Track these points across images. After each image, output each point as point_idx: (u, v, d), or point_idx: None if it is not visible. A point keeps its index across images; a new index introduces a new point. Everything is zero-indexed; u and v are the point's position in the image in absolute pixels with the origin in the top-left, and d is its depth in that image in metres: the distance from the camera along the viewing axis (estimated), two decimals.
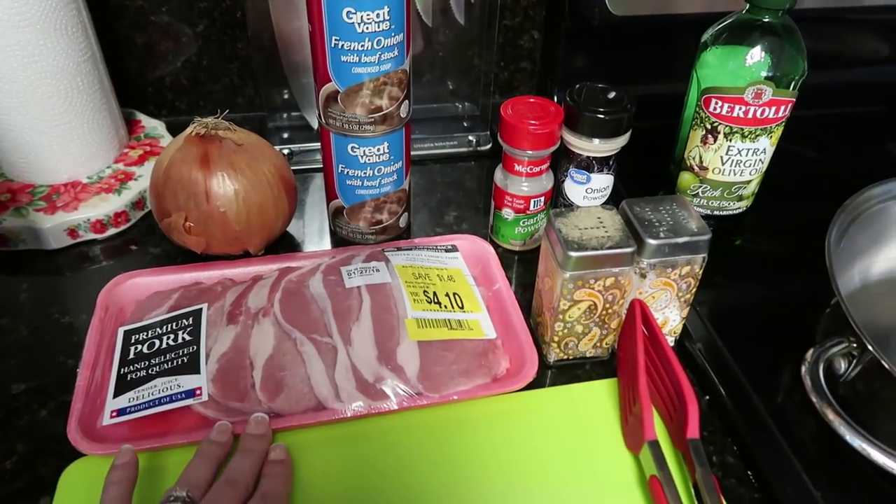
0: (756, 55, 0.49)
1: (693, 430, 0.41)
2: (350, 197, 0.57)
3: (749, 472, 0.44)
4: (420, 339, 0.47)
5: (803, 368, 0.38)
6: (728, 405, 0.47)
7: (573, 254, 0.44)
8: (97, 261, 0.58)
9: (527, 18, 0.75)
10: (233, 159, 0.53)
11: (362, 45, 0.48)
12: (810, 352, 0.39)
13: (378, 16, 0.47)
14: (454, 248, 0.56)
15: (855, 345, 0.40)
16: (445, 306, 0.50)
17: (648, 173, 0.64)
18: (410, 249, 0.55)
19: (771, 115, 0.50)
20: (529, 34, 0.76)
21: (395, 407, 0.44)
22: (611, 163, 0.55)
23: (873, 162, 0.72)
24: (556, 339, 0.48)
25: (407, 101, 0.53)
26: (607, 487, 0.42)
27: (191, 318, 0.48)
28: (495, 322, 0.51)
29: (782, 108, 0.50)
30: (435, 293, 0.51)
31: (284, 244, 0.60)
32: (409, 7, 0.49)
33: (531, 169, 0.55)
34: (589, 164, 0.55)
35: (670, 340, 0.51)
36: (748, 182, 0.54)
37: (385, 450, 0.43)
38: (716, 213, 0.56)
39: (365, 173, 0.55)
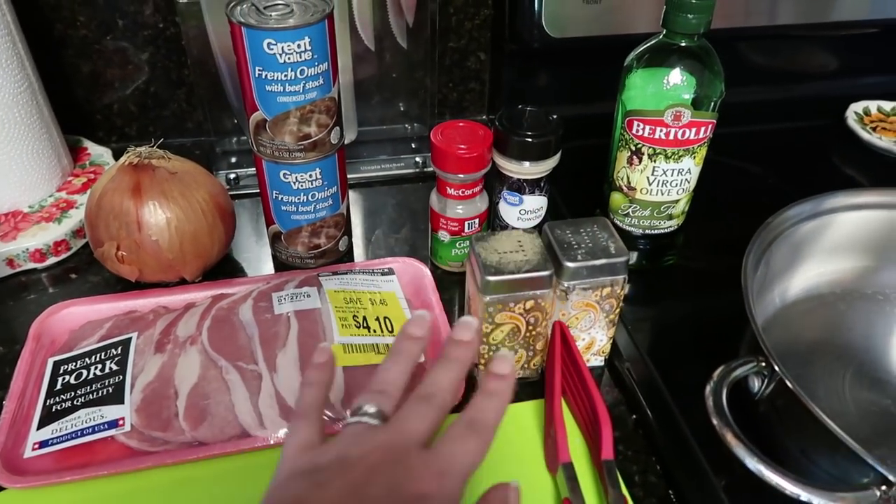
0: (674, 78, 0.50)
1: (607, 452, 0.41)
2: (286, 222, 0.57)
3: (670, 492, 0.44)
4: (346, 365, 0.47)
5: (707, 388, 0.39)
6: (653, 425, 0.47)
7: (491, 278, 0.44)
8: (36, 290, 0.58)
9: (472, 40, 0.76)
10: (165, 188, 0.53)
11: (285, 75, 0.48)
12: (717, 372, 0.40)
13: (299, 46, 0.48)
14: (390, 272, 0.57)
15: (763, 363, 0.41)
16: (374, 330, 0.50)
17: (589, 193, 0.64)
18: (346, 273, 0.56)
19: (692, 137, 0.51)
20: (476, 56, 0.77)
21: None
22: (542, 184, 0.56)
23: (817, 177, 0.73)
24: (482, 361, 0.49)
25: (338, 128, 0.54)
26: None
27: (119, 348, 0.49)
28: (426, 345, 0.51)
29: (702, 129, 0.51)
30: (365, 318, 0.51)
31: (225, 269, 0.60)
32: (332, 37, 0.50)
33: (463, 192, 0.55)
34: (520, 187, 0.56)
35: (599, 360, 0.52)
36: (676, 201, 0.55)
37: None
38: (647, 231, 0.57)
39: (299, 199, 0.55)
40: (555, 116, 0.55)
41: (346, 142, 0.72)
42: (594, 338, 0.50)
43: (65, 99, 0.70)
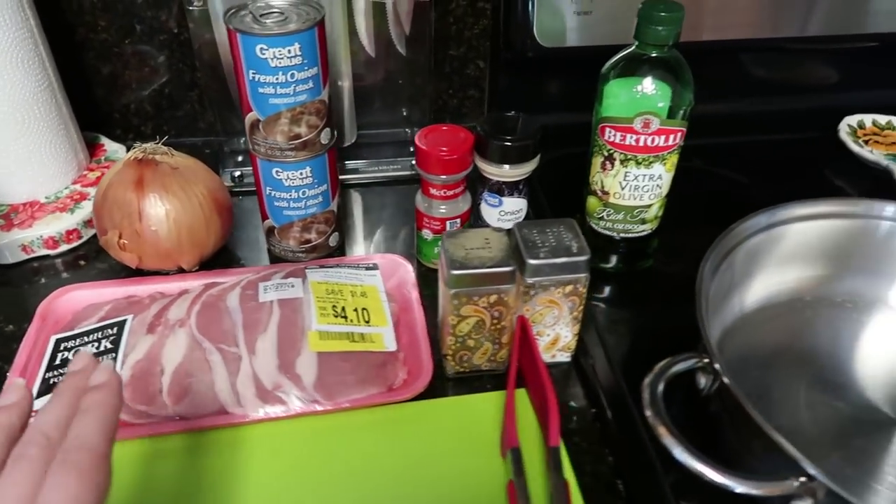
0: (645, 87, 0.52)
1: (554, 439, 0.43)
2: (279, 217, 0.61)
3: (618, 482, 0.46)
4: (320, 351, 0.50)
5: (645, 381, 0.41)
6: (608, 417, 0.49)
7: (455, 272, 0.47)
8: (47, 275, 0.62)
9: (471, 49, 0.79)
10: (166, 182, 0.57)
11: (277, 79, 0.52)
12: (658, 365, 0.42)
13: (290, 52, 0.51)
14: (374, 267, 0.60)
15: (707, 360, 0.42)
16: (351, 320, 0.53)
17: (576, 198, 0.67)
18: (333, 267, 0.59)
19: (662, 144, 0.53)
20: (475, 63, 0.80)
21: (291, 413, 0.48)
22: (521, 187, 0.59)
23: (804, 187, 0.74)
24: (450, 352, 0.51)
25: (328, 129, 0.57)
26: (479, 490, 0.44)
27: (115, 328, 0.52)
28: (402, 336, 0.54)
29: (671, 136, 0.53)
30: (343, 308, 0.54)
31: (223, 260, 0.64)
32: (322, 44, 0.53)
33: (445, 192, 0.58)
34: (500, 189, 0.58)
35: (566, 356, 0.54)
36: (649, 206, 0.57)
37: (275, 453, 0.47)
38: (622, 235, 0.59)
39: (290, 195, 0.59)
40: (535, 122, 0.57)
41: (345, 144, 0.76)
42: (559, 334, 0.52)
43: (86, 98, 0.75)
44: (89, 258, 0.64)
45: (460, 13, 0.76)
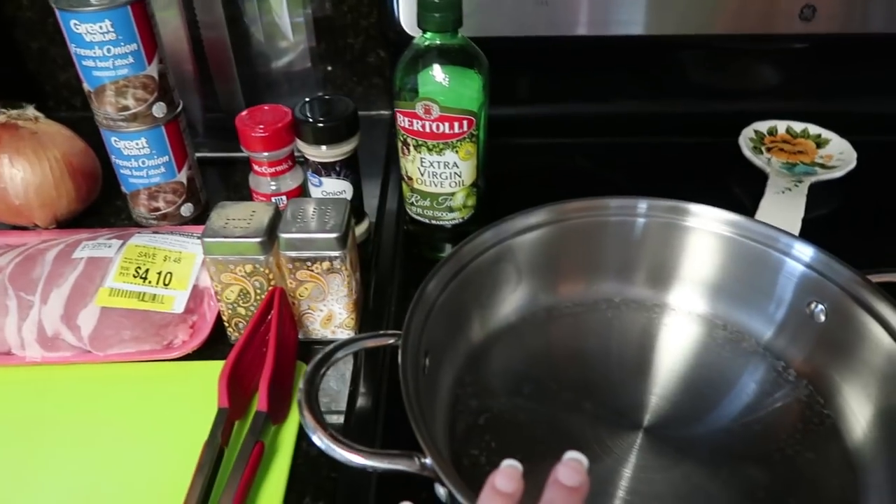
0: (432, 74, 0.52)
1: (261, 405, 0.45)
2: (127, 184, 0.65)
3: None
4: (105, 306, 0.54)
5: (310, 365, 0.41)
6: (358, 394, 0.51)
7: (206, 239, 0.49)
8: None
9: (370, 38, 0.80)
10: (20, 145, 0.62)
11: (94, 52, 0.56)
12: (329, 348, 0.42)
13: (101, 28, 0.55)
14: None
15: (392, 340, 0.43)
16: (150, 282, 0.57)
17: None
18: (166, 234, 0.63)
19: (447, 131, 0.53)
20: (376, 52, 0.82)
21: (65, 359, 0.52)
22: (338, 168, 0.60)
23: (683, 190, 0.71)
24: (226, 318, 0.54)
25: (162, 103, 0.61)
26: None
27: None
28: (200, 301, 0.57)
29: (457, 124, 0.53)
30: (148, 270, 0.57)
31: (89, 221, 0.68)
32: (141, 21, 0.57)
33: (267, 169, 0.60)
34: (318, 169, 0.60)
35: (346, 333, 0.55)
36: (452, 194, 0.57)
37: (43, 395, 0.51)
38: (433, 222, 0.59)
39: (131, 164, 0.63)
40: (350, 105, 0.59)
41: None
42: (332, 311, 0.54)
43: (21, 73, 0.82)
44: None
45: (353, 2, 0.78)
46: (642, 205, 0.52)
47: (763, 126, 0.76)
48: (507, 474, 0.31)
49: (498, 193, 0.63)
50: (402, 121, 0.54)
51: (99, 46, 0.56)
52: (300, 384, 0.40)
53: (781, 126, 0.77)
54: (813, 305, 0.48)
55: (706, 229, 0.50)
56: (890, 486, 0.41)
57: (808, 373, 0.48)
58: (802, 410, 0.47)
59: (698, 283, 0.52)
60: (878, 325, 0.43)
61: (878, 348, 0.43)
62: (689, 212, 0.52)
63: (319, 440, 0.38)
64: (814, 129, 0.76)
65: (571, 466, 0.30)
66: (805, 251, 0.47)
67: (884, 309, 0.43)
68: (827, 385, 0.47)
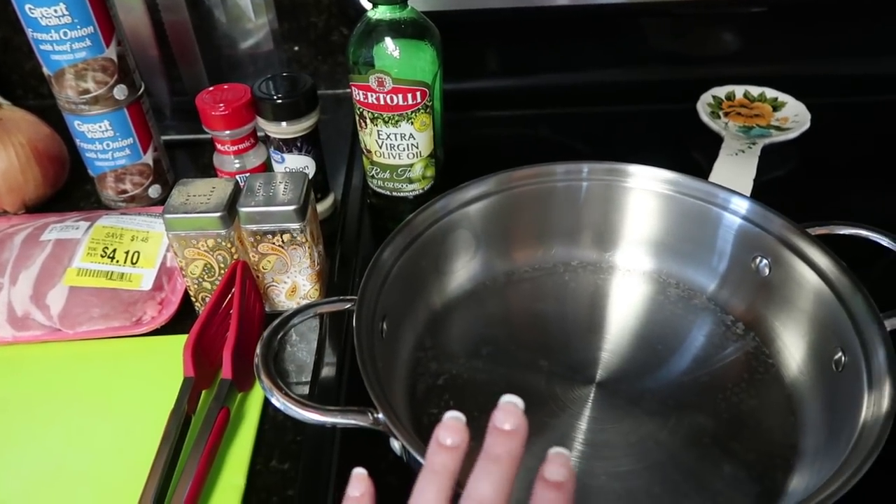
0: (383, 47, 0.53)
1: (226, 372, 0.47)
2: (93, 167, 0.66)
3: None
4: (73, 285, 0.55)
5: (268, 329, 0.43)
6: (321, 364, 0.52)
7: (167, 215, 0.50)
8: None
9: (332, 16, 0.81)
10: None
11: (51, 36, 0.57)
12: (289, 314, 0.44)
13: (56, 11, 0.56)
14: None
15: (349, 304, 0.44)
16: (117, 261, 0.58)
17: None
18: (133, 215, 0.64)
19: (401, 103, 0.54)
20: (339, 31, 0.82)
21: (36, 338, 0.53)
22: (299, 144, 0.61)
23: (649, 157, 0.73)
24: (192, 293, 0.55)
25: (122, 85, 0.62)
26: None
27: None
28: (169, 278, 0.58)
29: (409, 95, 0.54)
30: (115, 250, 0.59)
31: (60, 206, 0.69)
32: (97, 3, 0.57)
33: (228, 147, 0.61)
34: (280, 146, 0.61)
35: None
36: (410, 165, 0.58)
37: (14, 372, 0.52)
38: (394, 193, 0.60)
39: (96, 147, 0.64)
40: (307, 81, 0.59)
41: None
42: (296, 282, 0.55)
43: None
44: None
45: None
46: (584, 169, 0.53)
47: (721, 91, 0.78)
48: (450, 427, 0.30)
49: (460, 165, 0.65)
50: (358, 94, 0.55)
51: (55, 30, 0.56)
52: (257, 349, 0.42)
53: (739, 91, 0.78)
54: (758, 260, 0.50)
55: (646, 188, 0.52)
56: (826, 426, 0.43)
57: (751, 322, 0.50)
58: (749, 361, 0.49)
59: (643, 242, 0.54)
60: (809, 268, 0.45)
61: (810, 292, 0.45)
62: (627, 172, 0.53)
63: (277, 401, 0.40)
64: (771, 93, 0.77)
65: (506, 409, 0.30)
66: (741, 204, 0.49)
67: (814, 253, 0.45)
68: (768, 332, 0.49)
